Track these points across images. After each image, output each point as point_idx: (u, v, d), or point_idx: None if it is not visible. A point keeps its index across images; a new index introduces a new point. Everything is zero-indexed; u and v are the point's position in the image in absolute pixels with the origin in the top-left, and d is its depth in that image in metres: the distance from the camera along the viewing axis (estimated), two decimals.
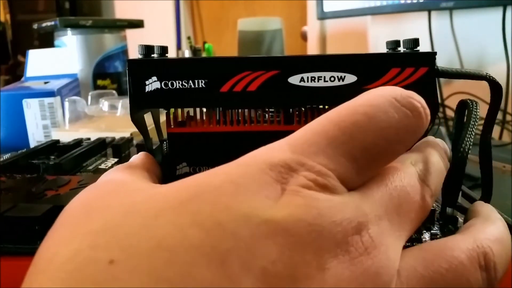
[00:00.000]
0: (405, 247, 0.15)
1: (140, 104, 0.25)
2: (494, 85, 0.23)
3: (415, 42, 0.24)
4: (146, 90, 0.24)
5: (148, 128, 0.27)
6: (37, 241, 0.23)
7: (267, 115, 0.25)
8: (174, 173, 0.26)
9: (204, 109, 0.26)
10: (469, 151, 0.20)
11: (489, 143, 0.23)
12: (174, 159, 0.26)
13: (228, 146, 0.26)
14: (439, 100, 0.86)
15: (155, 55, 0.25)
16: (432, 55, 0.24)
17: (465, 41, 0.89)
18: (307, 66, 0.24)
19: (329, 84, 0.24)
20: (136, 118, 0.25)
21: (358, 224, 0.14)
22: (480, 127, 0.23)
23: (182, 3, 1.87)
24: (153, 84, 0.24)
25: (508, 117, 0.79)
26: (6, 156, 0.39)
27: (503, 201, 0.44)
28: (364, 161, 0.15)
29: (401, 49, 0.25)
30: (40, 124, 0.64)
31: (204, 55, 1.32)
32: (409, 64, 0.24)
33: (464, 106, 0.24)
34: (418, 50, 0.24)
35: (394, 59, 0.24)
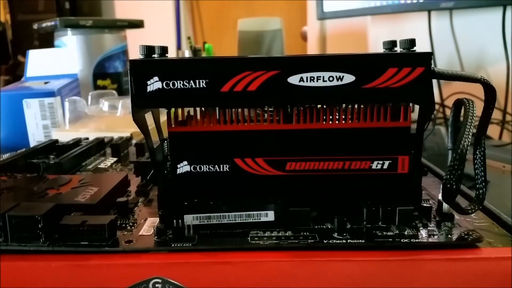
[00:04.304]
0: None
1: (142, 104, 0.25)
2: (488, 87, 0.23)
3: (412, 42, 0.24)
4: (148, 90, 0.25)
5: (149, 128, 0.27)
6: (40, 240, 0.23)
7: (266, 114, 0.26)
8: (175, 172, 0.26)
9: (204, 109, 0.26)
10: (468, 148, 0.21)
11: (483, 144, 0.24)
12: (175, 158, 0.26)
13: (228, 145, 0.26)
14: (439, 100, 0.86)
15: (156, 55, 0.25)
16: (428, 55, 0.24)
17: (465, 41, 0.89)
18: (306, 66, 0.24)
19: (328, 83, 0.24)
20: (138, 118, 0.26)
21: None
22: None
23: (182, 3, 1.87)
24: (154, 84, 0.25)
25: (508, 117, 0.79)
26: (5, 156, 0.39)
27: (503, 201, 0.44)
28: None
29: (398, 49, 0.26)
30: (40, 124, 0.64)
31: (204, 55, 1.32)
32: (406, 64, 0.24)
33: (460, 105, 0.24)
34: (415, 51, 0.24)
35: (391, 59, 0.24)
